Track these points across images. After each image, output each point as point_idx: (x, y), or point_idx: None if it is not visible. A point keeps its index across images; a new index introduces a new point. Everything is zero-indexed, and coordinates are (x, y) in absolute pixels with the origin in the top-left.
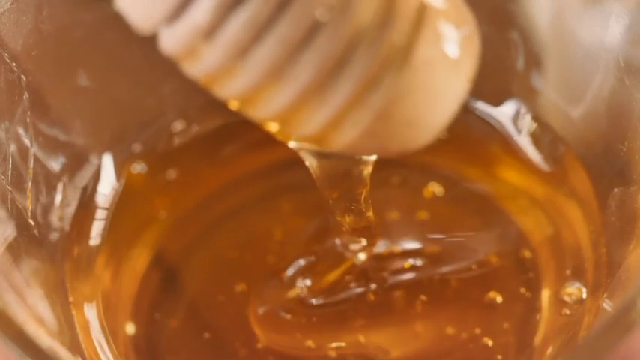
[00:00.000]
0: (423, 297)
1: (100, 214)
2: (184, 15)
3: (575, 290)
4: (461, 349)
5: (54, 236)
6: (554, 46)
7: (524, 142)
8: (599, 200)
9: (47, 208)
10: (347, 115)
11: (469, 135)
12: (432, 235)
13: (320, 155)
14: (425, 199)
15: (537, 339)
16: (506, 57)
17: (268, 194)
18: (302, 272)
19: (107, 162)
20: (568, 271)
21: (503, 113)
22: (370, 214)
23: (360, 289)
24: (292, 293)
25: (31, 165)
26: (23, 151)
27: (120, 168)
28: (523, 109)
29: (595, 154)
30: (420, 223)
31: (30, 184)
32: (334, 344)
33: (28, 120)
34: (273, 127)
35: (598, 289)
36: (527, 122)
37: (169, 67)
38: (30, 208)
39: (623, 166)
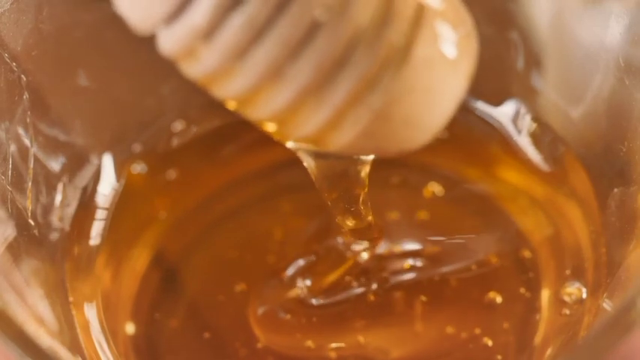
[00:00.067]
0: (423, 297)
1: (100, 214)
2: (183, 16)
3: (575, 290)
4: (461, 349)
5: (54, 236)
6: (554, 46)
7: (524, 142)
8: (599, 200)
9: (47, 208)
10: (345, 115)
11: (469, 135)
12: (431, 235)
13: (318, 155)
14: (425, 199)
15: (537, 339)
16: (506, 57)
17: (268, 194)
18: (302, 272)
19: (107, 162)
20: (568, 271)
21: (503, 113)
22: (369, 216)
23: (360, 290)
24: (292, 293)
25: (31, 165)
26: (23, 151)
27: (120, 168)
28: (523, 109)
29: (595, 154)
30: (420, 223)
31: (30, 184)
32: (334, 345)
33: (28, 120)
34: (271, 128)
35: (598, 289)
36: (527, 122)
37: (169, 67)
38: (30, 208)
39: (623, 166)
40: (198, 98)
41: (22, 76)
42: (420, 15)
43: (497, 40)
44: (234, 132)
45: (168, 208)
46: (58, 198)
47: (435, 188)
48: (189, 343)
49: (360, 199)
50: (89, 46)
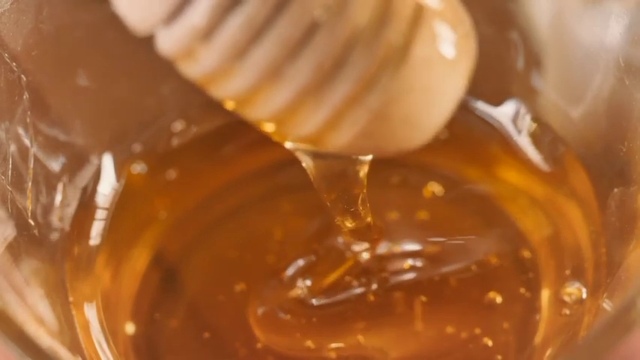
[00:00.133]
0: (423, 297)
1: (100, 214)
2: (182, 16)
3: (575, 290)
4: (461, 349)
5: (54, 236)
6: (554, 46)
7: (524, 142)
8: (599, 200)
9: (47, 208)
10: (344, 114)
11: (469, 135)
12: (431, 236)
13: (316, 155)
14: (425, 199)
15: (537, 339)
16: (506, 57)
17: (268, 194)
18: (302, 272)
19: (107, 162)
20: (568, 271)
21: (503, 113)
22: (369, 217)
23: (360, 290)
24: (292, 293)
25: (31, 165)
26: (23, 151)
27: (120, 168)
28: (523, 109)
29: (595, 154)
30: (420, 223)
31: (30, 184)
32: (334, 345)
33: (28, 120)
34: (269, 128)
35: (598, 289)
36: (527, 122)
37: (169, 67)
38: (30, 208)
39: (623, 166)
40: (198, 98)
41: (22, 76)
42: (418, 15)
43: (497, 40)
44: (234, 132)
45: (169, 208)
46: (58, 198)
47: (434, 188)
48: (189, 343)
49: (359, 200)
50: (89, 46)
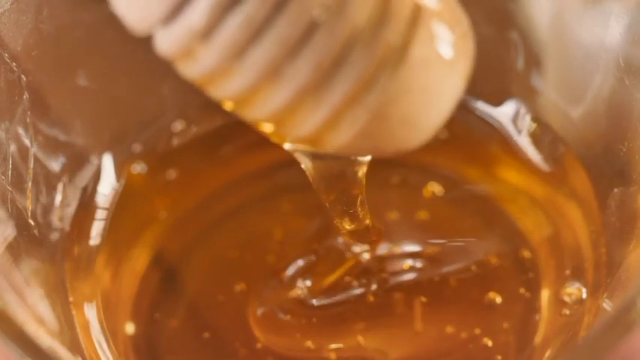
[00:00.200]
0: (422, 298)
1: (100, 214)
2: (180, 16)
3: (575, 290)
4: (461, 349)
5: (54, 236)
6: (554, 46)
7: (524, 142)
8: (599, 200)
9: (47, 208)
10: (343, 115)
11: (469, 135)
12: (431, 236)
13: (315, 156)
14: (425, 199)
15: (537, 339)
16: (506, 57)
17: (268, 194)
18: (302, 273)
19: (107, 162)
20: (568, 272)
21: (503, 113)
22: (367, 218)
23: (359, 290)
24: (292, 294)
25: (31, 165)
26: (23, 151)
27: (120, 168)
28: (523, 109)
29: (595, 154)
30: (420, 223)
31: (30, 184)
32: (334, 345)
33: (28, 120)
34: (268, 128)
35: (598, 289)
36: (527, 122)
37: (169, 67)
38: (30, 208)
39: (623, 166)
40: (198, 98)
41: (22, 76)
42: (416, 15)
43: (497, 40)
44: (234, 132)
45: (169, 208)
46: (58, 198)
47: (434, 188)
48: (189, 343)
49: (358, 201)
50: (89, 46)
